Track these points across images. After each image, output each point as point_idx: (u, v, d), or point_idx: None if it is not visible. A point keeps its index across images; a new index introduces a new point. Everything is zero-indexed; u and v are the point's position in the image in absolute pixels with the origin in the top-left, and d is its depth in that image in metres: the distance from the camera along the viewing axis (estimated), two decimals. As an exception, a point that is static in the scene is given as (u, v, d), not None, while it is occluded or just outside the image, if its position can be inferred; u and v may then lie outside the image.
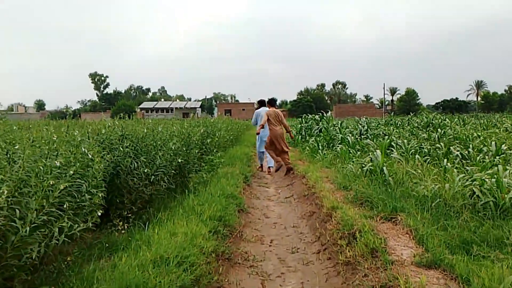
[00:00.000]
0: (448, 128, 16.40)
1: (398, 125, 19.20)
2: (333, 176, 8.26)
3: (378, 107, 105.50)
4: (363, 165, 7.63)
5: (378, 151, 7.73)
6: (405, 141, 10.23)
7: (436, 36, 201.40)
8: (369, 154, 8.49)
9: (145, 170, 5.45)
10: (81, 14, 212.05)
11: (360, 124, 16.20)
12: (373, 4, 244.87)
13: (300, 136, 16.92)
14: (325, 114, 17.63)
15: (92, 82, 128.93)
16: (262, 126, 10.71)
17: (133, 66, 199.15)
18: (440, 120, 19.99)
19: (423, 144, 9.98)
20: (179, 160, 6.68)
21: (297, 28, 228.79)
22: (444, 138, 10.88)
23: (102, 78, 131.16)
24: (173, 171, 6.50)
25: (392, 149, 9.62)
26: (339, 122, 16.26)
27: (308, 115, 20.14)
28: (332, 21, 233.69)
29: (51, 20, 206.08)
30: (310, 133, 16.41)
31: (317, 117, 17.38)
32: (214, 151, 10.64)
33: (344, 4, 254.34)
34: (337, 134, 13.14)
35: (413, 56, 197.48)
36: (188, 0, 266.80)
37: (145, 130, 6.34)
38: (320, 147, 12.39)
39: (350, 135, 13.06)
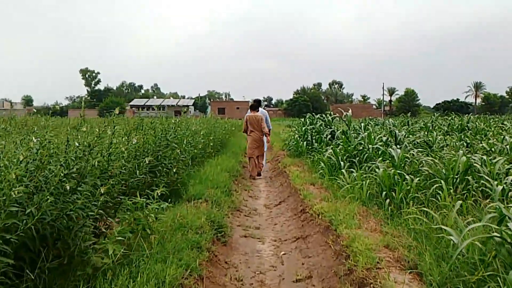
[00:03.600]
0: (490, 133, 12.43)
1: (427, 128, 15.03)
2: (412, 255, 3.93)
3: (376, 107, 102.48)
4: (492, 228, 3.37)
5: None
6: (484, 158, 6.08)
7: (435, 36, 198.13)
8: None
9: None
10: (73, 8, 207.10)
11: (388, 128, 12.00)
12: (369, 3, 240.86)
13: (305, 143, 12.72)
14: (329, 114, 13.47)
15: (82, 78, 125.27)
16: (245, 130, 11.29)
17: (126, 63, 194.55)
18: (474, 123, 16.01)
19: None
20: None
21: (293, 26, 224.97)
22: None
23: (94, 74, 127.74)
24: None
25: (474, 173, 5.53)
26: (361, 124, 11.99)
27: (314, 114, 15.94)
28: (329, 19, 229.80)
29: (43, 14, 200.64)
30: (320, 138, 12.22)
31: (329, 117, 13.12)
32: (172, 172, 6.43)
33: (340, 3, 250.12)
34: (363, 143, 8.96)
35: (411, 57, 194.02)
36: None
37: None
38: (341, 162, 8.21)
39: (380, 143, 8.90)
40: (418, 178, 5.78)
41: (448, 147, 9.12)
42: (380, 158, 7.37)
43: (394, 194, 5.54)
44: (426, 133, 12.34)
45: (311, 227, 5.47)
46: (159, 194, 4.87)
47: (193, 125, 10.40)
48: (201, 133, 10.67)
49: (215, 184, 7.14)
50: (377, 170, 6.41)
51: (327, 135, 11.72)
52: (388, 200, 5.49)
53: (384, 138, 9.50)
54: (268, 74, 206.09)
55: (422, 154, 7.60)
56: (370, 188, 6.19)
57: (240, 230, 5.84)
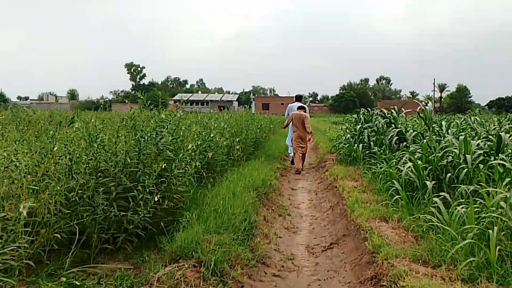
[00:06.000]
0: None
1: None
2: None
3: (425, 104, 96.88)
4: None
5: None
6: None
7: (487, 32, 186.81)
8: None
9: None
10: (122, 5, 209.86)
11: (476, 128, 8.91)
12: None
13: (361, 146, 9.83)
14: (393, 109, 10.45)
15: (127, 73, 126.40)
16: (287, 125, 11.79)
17: (172, 58, 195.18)
18: None
19: None
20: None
21: (340, 22, 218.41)
22: None
23: (139, 68, 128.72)
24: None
25: None
26: (442, 123, 8.89)
27: (368, 110, 12.97)
28: (377, 15, 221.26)
29: (90, 9, 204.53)
30: (380, 141, 9.32)
31: (393, 112, 10.08)
32: (151, 202, 3.82)
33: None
34: (454, 151, 6.04)
35: (462, 53, 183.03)
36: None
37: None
38: (426, 182, 5.35)
39: (479, 151, 5.96)
40: None
41: None
42: (509, 179, 4.45)
43: None
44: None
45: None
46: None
47: (214, 121, 7.76)
48: (226, 132, 8.06)
49: (226, 219, 4.41)
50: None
51: (392, 137, 8.78)
52: None
53: (481, 144, 6.53)
54: (314, 70, 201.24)
55: None
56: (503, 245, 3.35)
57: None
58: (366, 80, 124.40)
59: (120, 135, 4.45)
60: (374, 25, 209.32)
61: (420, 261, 3.47)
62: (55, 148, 3.96)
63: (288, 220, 6.19)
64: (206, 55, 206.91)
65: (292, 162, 11.60)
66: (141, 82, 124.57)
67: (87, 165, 4.14)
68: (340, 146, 11.69)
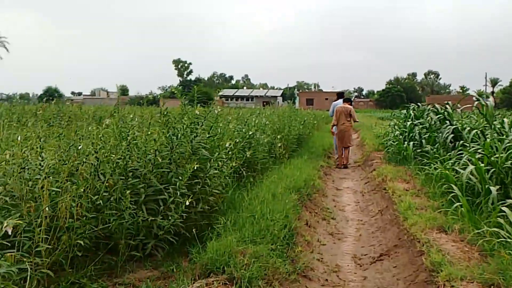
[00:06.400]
0: None
1: None
2: None
3: (476, 99, 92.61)
4: None
5: None
6: None
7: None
8: None
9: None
10: (171, 1, 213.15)
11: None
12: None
13: (411, 144, 9.18)
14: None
15: (175, 69, 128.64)
16: (335, 125, 11.22)
17: (218, 54, 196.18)
18: None
19: None
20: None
21: (386, 16, 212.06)
22: None
23: (186, 64, 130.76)
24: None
25: None
26: (505, 120, 8.07)
27: (418, 105, 12.20)
28: (423, 7, 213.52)
29: (139, 7, 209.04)
30: (432, 138, 8.64)
31: (447, 108, 9.32)
32: (181, 208, 3.49)
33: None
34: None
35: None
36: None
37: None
38: (485, 185, 4.75)
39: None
40: None
41: None
42: None
43: None
44: None
45: None
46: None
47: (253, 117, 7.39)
48: (267, 128, 7.67)
49: (264, 226, 3.99)
50: None
51: (447, 135, 8.09)
52: None
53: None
54: (359, 65, 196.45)
55: None
56: None
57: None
58: (414, 75, 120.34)
59: (150, 132, 4.13)
60: (422, 18, 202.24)
61: (493, 287, 2.94)
62: (79, 147, 3.68)
63: (333, 224, 5.72)
64: (252, 50, 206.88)
65: (338, 161, 11.25)
66: (188, 78, 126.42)
67: (116, 164, 3.85)
68: (388, 144, 11.05)
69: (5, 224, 2.22)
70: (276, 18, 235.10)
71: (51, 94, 67.37)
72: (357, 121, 12.39)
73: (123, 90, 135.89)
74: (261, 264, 3.21)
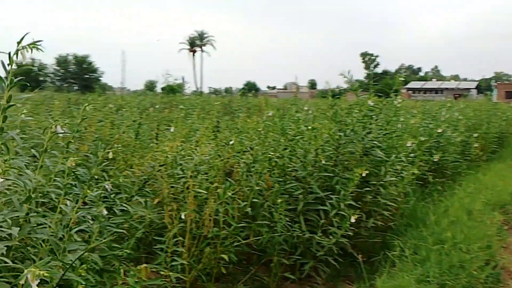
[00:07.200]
0: None
1: None
2: None
3: None
4: None
5: None
6: None
7: None
8: None
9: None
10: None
11: None
12: None
13: None
14: None
15: (362, 62, 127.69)
16: None
17: (406, 45, 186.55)
18: None
19: None
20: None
21: None
22: None
23: (372, 57, 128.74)
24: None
25: None
26: None
27: None
28: None
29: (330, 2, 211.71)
30: None
31: None
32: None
33: None
34: None
35: None
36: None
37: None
38: None
39: None
40: None
41: None
42: None
43: None
44: None
45: None
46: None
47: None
48: (460, 124, 6.39)
49: (455, 261, 2.92)
50: None
51: None
52: None
53: None
54: None
55: None
56: None
57: None
58: None
59: (311, 127, 3.50)
60: None
61: None
62: (231, 142, 3.26)
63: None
64: (442, 41, 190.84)
65: None
66: (375, 71, 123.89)
67: (275, 164, 3.34)
68: None
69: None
70: (471, 6, 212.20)
71: (250, 88, 73.01)
72: None
73: (312, 84, 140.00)
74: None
